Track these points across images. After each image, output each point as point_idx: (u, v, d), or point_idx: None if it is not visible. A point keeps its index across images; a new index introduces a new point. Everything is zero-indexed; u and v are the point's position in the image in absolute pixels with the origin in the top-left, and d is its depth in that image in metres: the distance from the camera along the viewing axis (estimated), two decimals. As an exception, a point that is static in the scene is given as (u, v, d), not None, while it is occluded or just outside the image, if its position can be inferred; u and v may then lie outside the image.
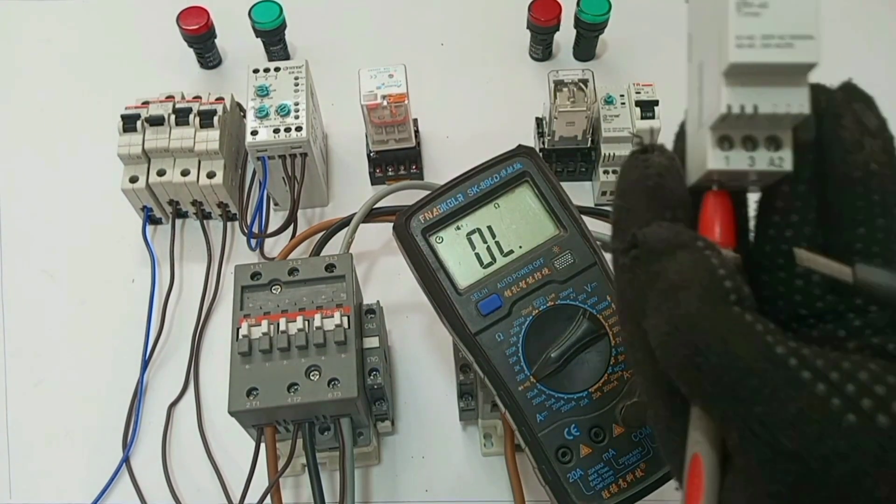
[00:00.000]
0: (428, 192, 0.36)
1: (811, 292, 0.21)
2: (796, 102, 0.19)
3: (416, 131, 0.52)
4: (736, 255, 0.21)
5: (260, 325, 0.37)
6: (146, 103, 0.49)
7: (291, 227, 0.49)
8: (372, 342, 0.40)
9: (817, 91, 0.21)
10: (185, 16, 0.56)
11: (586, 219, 0.36)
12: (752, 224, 0.23)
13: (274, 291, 0.39)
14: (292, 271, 0.39)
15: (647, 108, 0.49)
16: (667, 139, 0.52)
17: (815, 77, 0.20)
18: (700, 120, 0.21)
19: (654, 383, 0.21)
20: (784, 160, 0.20)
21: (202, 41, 0.58)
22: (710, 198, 0.22)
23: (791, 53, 0.19)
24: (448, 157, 0.55)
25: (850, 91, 0.21)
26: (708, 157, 0.20)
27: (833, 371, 0.17)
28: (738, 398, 0.17)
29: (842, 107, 0.20)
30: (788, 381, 0.17)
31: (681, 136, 0.23)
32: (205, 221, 0.52)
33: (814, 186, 0.21)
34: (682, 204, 0.21)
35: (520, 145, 0.37)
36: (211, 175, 0.48)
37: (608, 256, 0.36)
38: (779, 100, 0.19)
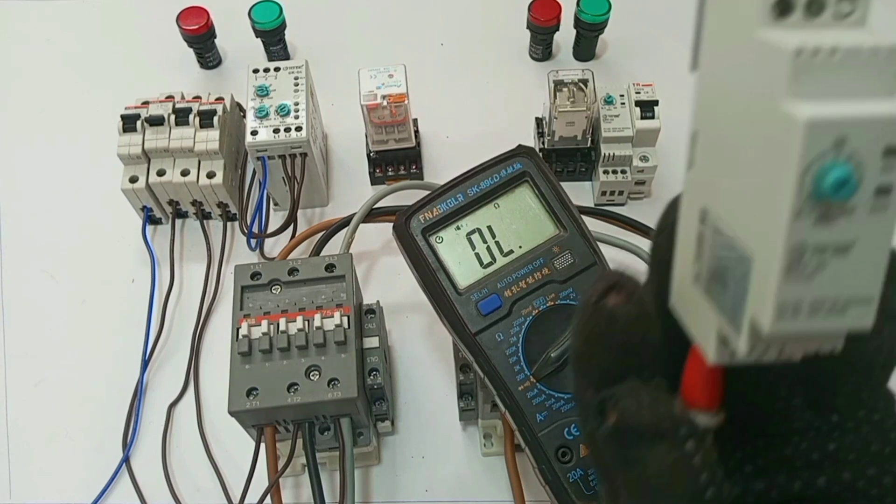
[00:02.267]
0: (428, 192, 0.36)
1: (790, 412, 0.20)
2: (829, 345, 0.17)
3: (416, 131, 0.52)
4: (720, 419, 0.19)
5: (260, 325, 0.37)
6: (146, 103, 0.49)
7: (291, 227, 0.49)
8: (372, 342, 0.40)
9: None
10: (185, 16, 0.56)
11: (586, 219, 0.36)
12: None
13: (274, 291, 0.39)
14: (292, 271, 0.39)
15: (647, 108, 0.49)
16: (666, 140, 0.52)
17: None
18: (698, 278, 0.18)
19: None
20: (796, 356, 0.18)
21: (202, 41, 0.58)
22: (695, 357, 0.19)
23: (841, 321, 0.16)
24: (448, 157, 0.55)
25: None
26: (710, 353, 0.18)
27: None
28: None
29: None
30: None
31: (659, 251, 0.20)
32: (205, 221, 0.51)
33: None
34: (655, 354, 0.19)
35: (520, 145, 0.37)
36: (211, 175, 0.48)
37: (605, 252, 0.36)
38: (810, 345, 0.17)
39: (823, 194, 0.14)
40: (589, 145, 0.51)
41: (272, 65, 0.49)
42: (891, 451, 0.19)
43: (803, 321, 0.15)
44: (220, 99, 0.50)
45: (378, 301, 0.42)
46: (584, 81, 0.49)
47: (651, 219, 0.49)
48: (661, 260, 0.20)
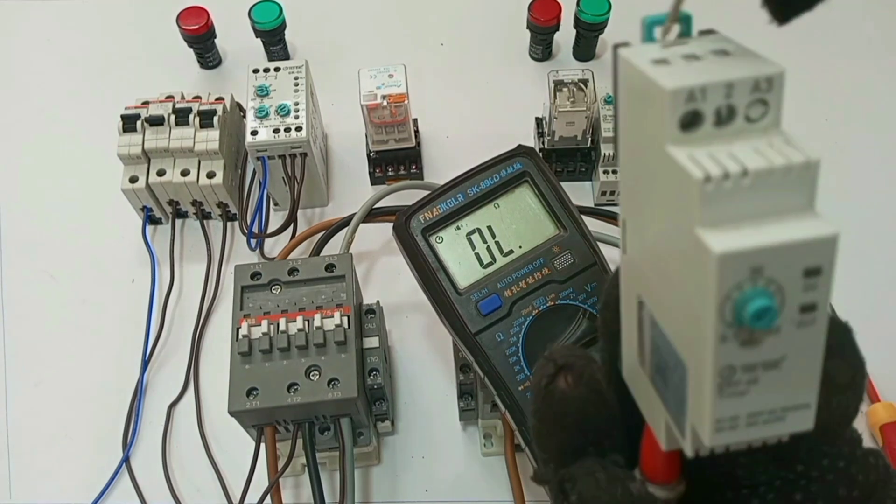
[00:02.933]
0: (428, 192, 0.36)
1: (755, 466, 0.20)
2: (774, 439, 0.16)
3: (416, 131, 0.52)
4: (681, 490, 0.19)
5: (260, 325, 0.37)
6: (146, 103, 0.49)
7: (291, 227, 0.49)
8: (372, 342, 0.40)
9: None
10: (185, 16, 0.56)
11: (586, 219, 0.36)
12: None
13: (274, 291, 0.39)
14: (292, 271, 0.39)
15: (647, 108, 0.49)
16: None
17: (812, 76, 0.18)
18: (643, 363, 0.18)
19: None
20: (745, 446, 0.17)
21: (202, 41, 0.58)
22: (651, 435, 0.19)
23: (781, 427, 0.16)
24: (448, 157, 0.55)
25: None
26: (661, 441, 0.18)
27: None
28: None
29: None
30: None
31: (607, 324, 0.20)
32: (205, 221, 0.51)
33: None
34: (612, 426, 0.20)
35: (520, 145, 0.37)
36: (211, 175, 0.48)
37: (606, 252, 0.36)
38: (756, 441, 0.16)
39: (745, 323, 0.14)
40: (589, 145, 0.51)
41: (272, 65, 0.49)
42: (859, 495, 0.19)
43: (742, 432, 0.15)
44: (220, 99, 0.50)
45: (378, 301, 0.42)
46: (584, 81, 0.49)
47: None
48: (611, 333, 0.20)
